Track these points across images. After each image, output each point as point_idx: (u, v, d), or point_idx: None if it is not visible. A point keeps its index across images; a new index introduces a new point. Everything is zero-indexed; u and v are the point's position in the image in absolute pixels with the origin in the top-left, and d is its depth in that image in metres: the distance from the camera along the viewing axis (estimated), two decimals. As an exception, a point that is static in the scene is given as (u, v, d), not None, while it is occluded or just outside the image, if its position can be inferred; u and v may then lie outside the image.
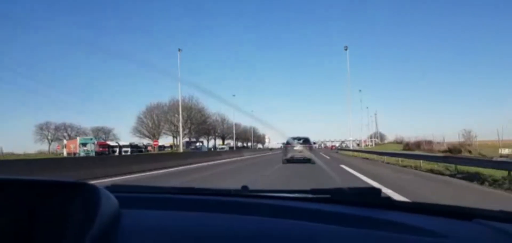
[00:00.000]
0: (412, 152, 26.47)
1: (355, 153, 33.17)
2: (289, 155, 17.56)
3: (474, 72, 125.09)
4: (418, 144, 40.23)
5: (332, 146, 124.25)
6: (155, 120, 60.65)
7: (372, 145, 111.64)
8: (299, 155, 17.24)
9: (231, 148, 77.64)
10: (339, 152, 48.69)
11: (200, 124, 66.13)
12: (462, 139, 41.83)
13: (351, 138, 44.69)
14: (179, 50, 44.84)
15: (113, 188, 1.19)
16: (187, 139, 74.67)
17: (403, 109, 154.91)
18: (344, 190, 1.12)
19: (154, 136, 61.74)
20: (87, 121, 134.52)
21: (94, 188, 0.72)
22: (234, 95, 77.28)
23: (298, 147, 17.96)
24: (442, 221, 0.92)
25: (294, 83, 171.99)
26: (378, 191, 1.08)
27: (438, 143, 38.60)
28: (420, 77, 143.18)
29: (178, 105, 56.89)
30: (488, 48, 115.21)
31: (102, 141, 70.80)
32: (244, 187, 1.34)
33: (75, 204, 0.67)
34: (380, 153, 24.59)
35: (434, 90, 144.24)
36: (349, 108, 43.26)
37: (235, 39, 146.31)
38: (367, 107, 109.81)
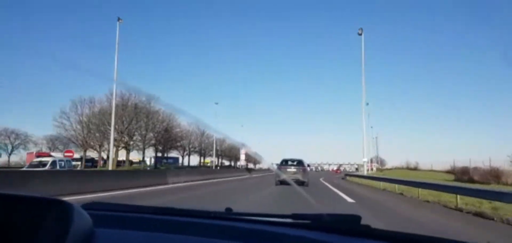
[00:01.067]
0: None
1: (387, 186, 18.57)
2: (282, 177, 16.72)
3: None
4: (495, 174, 24.26)
5: (337, 169, 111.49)
6: (96, 124, 44.22)
7: (373, 170, 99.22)
8: (293, 177, 16.75)
9: (199, 167, 62.82)
10: (347, 178, 34.37)
11: (162, 133, 50.86)
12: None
13: (365, 159, 30.41)
14: (118, 19, 30.75)
15: (89, 206, 1.19)
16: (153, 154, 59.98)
17: (400, 134, 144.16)
18: (324, 217, 1.09)
19: (96, 146, 46.71)
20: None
21: (66, 204, 0.70)
22: (216, 103, 63.18)
23: (291, 169, 17.77)
24: None
25: (288, 103, 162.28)
26: (358, 218, 1.08)
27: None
28: (418, 102, 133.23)
29: (124, 104, 42.25)
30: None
31: (43, 152, 56.67)
32: (228, 209, 1.30)
33: (47, 220, 0.65)
34: (434, 186, 10.65)
35: (432, 116, 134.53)
36: (363, 117, 29.00)
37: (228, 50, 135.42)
38: (372, 127, 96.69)
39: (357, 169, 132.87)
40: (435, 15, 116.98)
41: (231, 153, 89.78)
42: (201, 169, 43.61)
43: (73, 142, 44.42)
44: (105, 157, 56.04)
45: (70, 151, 32.90)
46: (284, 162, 18.36)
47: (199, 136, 66.96)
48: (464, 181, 23.39)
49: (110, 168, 25.85)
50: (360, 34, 33.74)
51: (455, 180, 26.36)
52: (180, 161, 73.52)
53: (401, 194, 14.94)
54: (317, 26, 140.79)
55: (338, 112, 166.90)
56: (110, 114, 33.73)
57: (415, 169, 62.52)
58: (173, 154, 67.81)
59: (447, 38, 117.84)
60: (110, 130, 38.23)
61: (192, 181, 20.30)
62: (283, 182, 16.82)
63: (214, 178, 25.26)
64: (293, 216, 1.14)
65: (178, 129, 58.70)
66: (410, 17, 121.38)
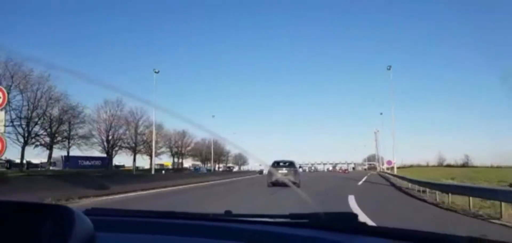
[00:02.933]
0: None
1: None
2: (274, 178, 17.17)
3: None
4: None
5: (346, 169, 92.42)
6: None
7: (383, 168, 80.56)
8: (284, 178, 16.67)
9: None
10: (414, 190, 12.80)
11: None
12: None
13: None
14: None
15: (90, 211, 1.20)
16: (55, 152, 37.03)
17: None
18: (321, 215, 1.11)
19: None
20: None
21: (68, 210, 0.69)
22: (157, 72, 40.63)
23: (283, 170, 17.97)
24: None
25: (275, 101, 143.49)
26: (355, 216, 1.10)
27: None
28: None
29: None
30: None
31: None
32: (227, 212, 1.32)
33: (48, 226, 0.65)
34: None
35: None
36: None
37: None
38: (381, 113, 76.00)
39: (354, 168, 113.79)
40: None
41: (194, 151, 67.11)
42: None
43: None
44: None
45: None
46: (276, 164, 18.48)
47: (134, 124, 43.82)
48: None
49: None
50: None
51: None
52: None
53: None
54: (305, 17, 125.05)
55: (331, 111, 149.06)
56: None
57: (464, 166, 41.32)
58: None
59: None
60: None
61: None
62: (275, 184, 16.78)
63: None
64: (291, 215, 1.15)
65: (88, 111, 35.95)
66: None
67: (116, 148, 44.03)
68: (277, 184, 16.69)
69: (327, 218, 1.10)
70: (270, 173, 17.71)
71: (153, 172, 35.88)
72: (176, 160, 64.48)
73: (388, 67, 39.01)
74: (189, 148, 65.68)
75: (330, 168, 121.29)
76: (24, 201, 0.67)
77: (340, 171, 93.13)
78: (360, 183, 24.87)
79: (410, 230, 1.03)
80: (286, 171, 17.62)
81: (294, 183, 16.56)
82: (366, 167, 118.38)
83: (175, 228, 1.06)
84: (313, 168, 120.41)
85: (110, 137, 42.24)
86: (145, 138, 45.20)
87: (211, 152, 64.21)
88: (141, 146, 45.22)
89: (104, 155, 44.88)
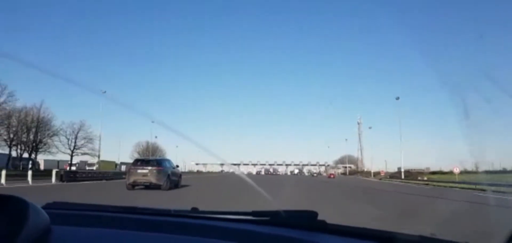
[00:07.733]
0: None
1: None
2: (131, 179, 15.87)
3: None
4: None
5: (331, 174, 72.17)
6: None
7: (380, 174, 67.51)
8: (143, 179, 15.64)
9: None
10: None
11: None
12: None
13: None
14: None
15: (51, 205, 1.19)
16: None
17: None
18: (282, 213, 1.14)
19: None
20: None
21: (22, 201, 0.69)
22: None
23: (144, 170, 15.98)
24: None
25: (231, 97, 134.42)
26: (315, 214, 1.12)
27: None
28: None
29: None
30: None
31: None
32: (194, 209, 1.33)
33: (1, 216, 0.65)
34: None
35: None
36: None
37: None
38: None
39: (325, 172, 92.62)
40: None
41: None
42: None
43: None
44: None
45: None
46: (137, 162, 17.20)
47: None
48: None
49: None
50: None
51: None
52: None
53: None
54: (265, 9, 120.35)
55: (295, 108, 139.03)
56: None
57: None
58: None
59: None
60: None
61: None
62: (133, 185, 15.83)
63: None
64: (253, 213, 1.17)
65: None
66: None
67: None
68: (137, 185, 15.91)
69: (288, 216, 1.12)
70: (129, 173, 16.47)
71: None
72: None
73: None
74: None
75: (296, 172, 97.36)
76: None
77: (329, 175, 69.44)
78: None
79: (368, 228, 1.06)
80: (146, 171, 15.86)
81: (157, 185, 15.37)
82: (341, 170, 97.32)
83: (137, 224, 1.04)
84: (271, 170, 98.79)
85: None
86: None
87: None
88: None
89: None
